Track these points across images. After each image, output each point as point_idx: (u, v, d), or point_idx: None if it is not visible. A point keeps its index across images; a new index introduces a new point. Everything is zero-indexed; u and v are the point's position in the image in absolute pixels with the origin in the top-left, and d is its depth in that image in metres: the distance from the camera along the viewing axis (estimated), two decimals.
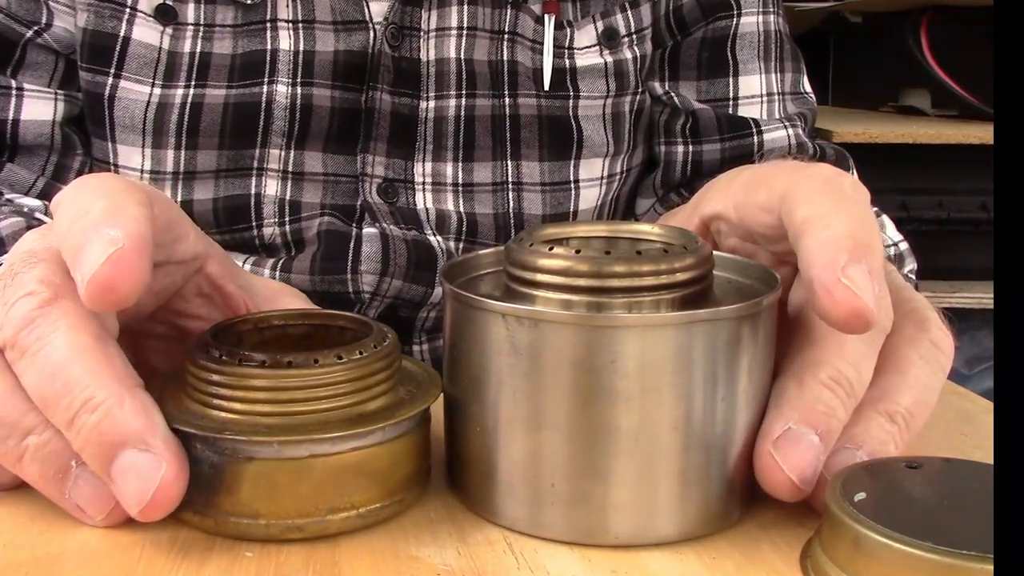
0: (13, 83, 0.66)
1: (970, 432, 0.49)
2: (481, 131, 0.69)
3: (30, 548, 0.37)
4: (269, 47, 0.66)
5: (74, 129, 0.69)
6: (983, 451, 0.46)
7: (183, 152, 0.66)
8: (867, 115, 1.80)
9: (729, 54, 0.74)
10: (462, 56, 0.68)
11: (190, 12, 0.67)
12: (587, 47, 0.71)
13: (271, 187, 0.67)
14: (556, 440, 0.37)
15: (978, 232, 1.57)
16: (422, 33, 0.68)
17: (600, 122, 0.72)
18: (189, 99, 0.66)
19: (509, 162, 0.70)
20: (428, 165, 0.69)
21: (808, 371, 0.38)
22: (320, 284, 0.66)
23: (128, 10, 0.66)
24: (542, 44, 0.70)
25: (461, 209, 0.70)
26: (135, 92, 0.66)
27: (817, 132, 0.84)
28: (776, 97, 0.75)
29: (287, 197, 0.67)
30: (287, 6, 0.67)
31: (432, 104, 0.68)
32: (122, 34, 0.66)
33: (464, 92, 0.69)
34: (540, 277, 0.38)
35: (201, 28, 0.67)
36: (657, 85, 0.76)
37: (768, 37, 0.75)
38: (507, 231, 0.70)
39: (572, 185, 0.72)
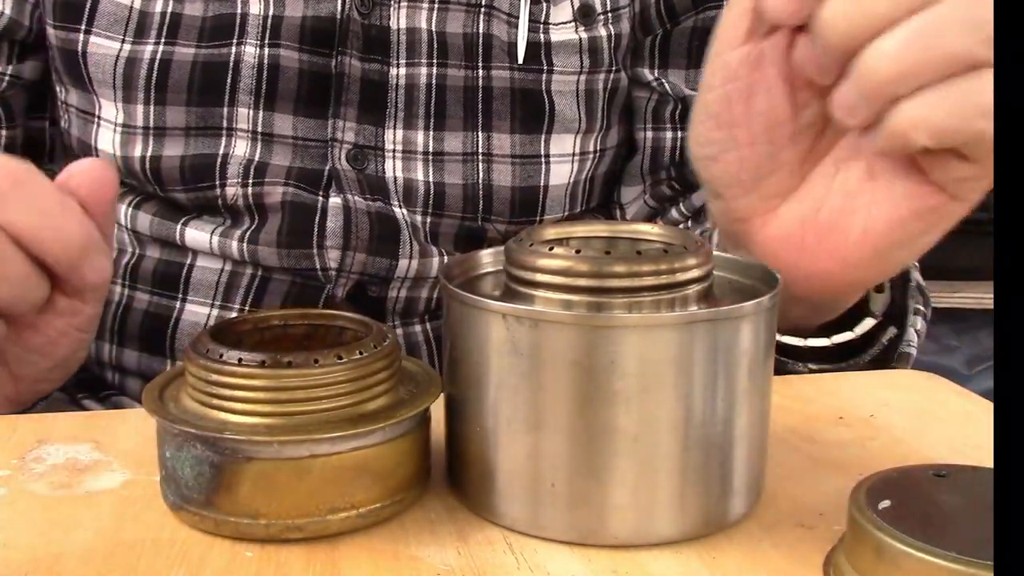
0: None
1: (970, 432, 0.49)
2: (453, 101, 0.70)
3: (30, 548, 0.37)
4: (239, 11, 0.68)
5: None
6: (983, 451, 0.46)
7: (152, 107, 0.68)
8: None
9: None
10: (433, 28, 0.69)
11: None
12: (563, 23, 0.72)
13: (240, 148, 0.68)
14: (556, 440, 0.37)
15: (978, 232, 1.56)
16: (392, 3, 0.69)
17: (573, 98, 0.72)
18: (159, 55, 0.68)
19: (480, 133, 0.70)
20: (399, 132, 0.70)
21: None
22: (288, 259, 0.68)
23: None
24: (518, 18, 0.71)
25: (430, 179, 0.70)
26: (105, 47, 0.68)
27: None
28: None
29: (255, 158, 0.68)
30: None
31: (403, 71, 0.69)
32: None
33: (436, 61, 0.70)
34: (540, 277, 0.38)
35: None
36: (647, 72, 0.76)
37: None
38: (475, 203, 0.71)
39: (543, 159, 0.72)
